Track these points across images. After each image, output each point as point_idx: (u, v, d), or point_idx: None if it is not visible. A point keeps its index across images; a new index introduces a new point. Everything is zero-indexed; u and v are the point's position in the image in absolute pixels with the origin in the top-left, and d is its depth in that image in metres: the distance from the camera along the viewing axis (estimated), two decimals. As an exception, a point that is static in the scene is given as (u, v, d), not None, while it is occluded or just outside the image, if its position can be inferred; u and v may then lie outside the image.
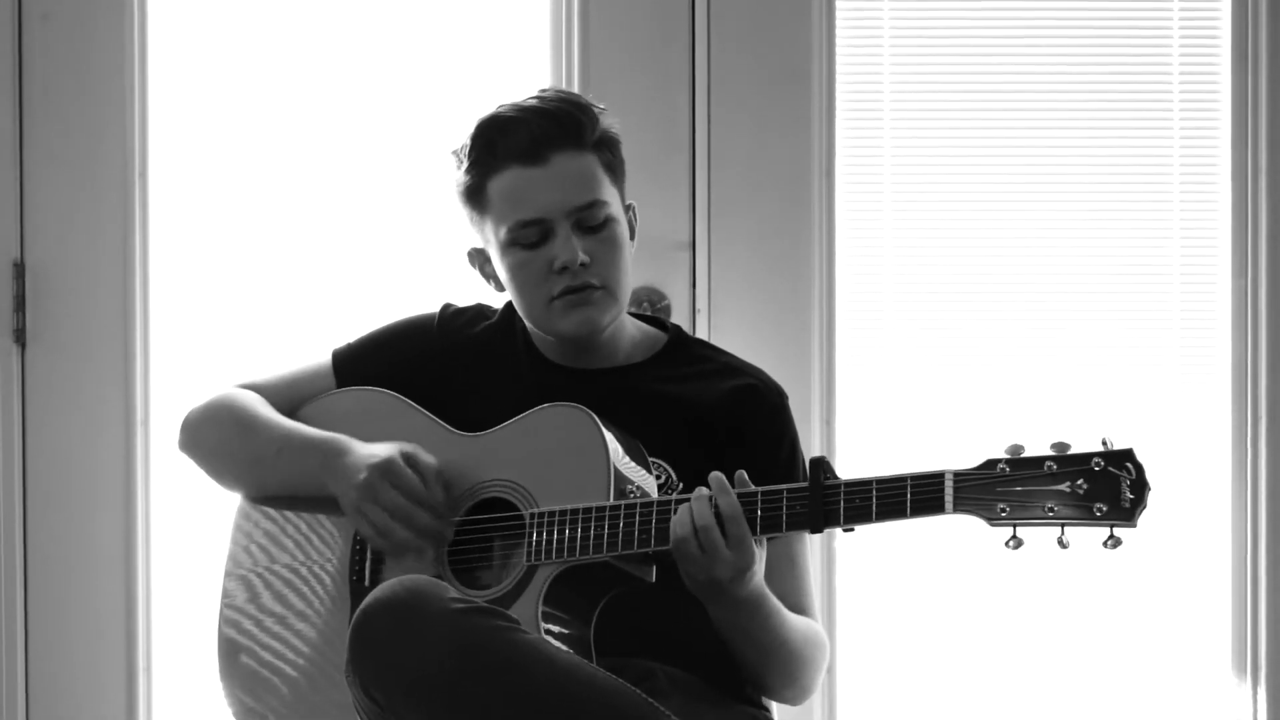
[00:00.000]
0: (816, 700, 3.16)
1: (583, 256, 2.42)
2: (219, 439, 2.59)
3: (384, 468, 2.37)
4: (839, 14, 3.19)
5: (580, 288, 2.43)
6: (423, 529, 2.36)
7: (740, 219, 3.19)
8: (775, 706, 2.53)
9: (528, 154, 2.43)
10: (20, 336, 3.18)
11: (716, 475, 2.25)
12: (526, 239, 2.44)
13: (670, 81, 3.20)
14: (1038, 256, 3.21)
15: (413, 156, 3.19)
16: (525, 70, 3.15)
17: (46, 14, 3.18)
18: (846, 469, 2.22)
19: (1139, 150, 3.21)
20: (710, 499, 2.22)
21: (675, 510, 2.24)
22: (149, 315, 3.19)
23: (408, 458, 2.39)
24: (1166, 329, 3.21)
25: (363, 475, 2.38)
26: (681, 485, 2.41)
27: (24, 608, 3.20)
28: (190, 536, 3.17)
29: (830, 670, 3.15)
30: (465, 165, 2.48)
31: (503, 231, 2.45)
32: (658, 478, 2.39)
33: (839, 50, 3.20)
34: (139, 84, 3.17)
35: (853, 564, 3.21)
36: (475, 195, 2.48)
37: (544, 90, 2.52)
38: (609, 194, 2.46)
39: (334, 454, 2.44)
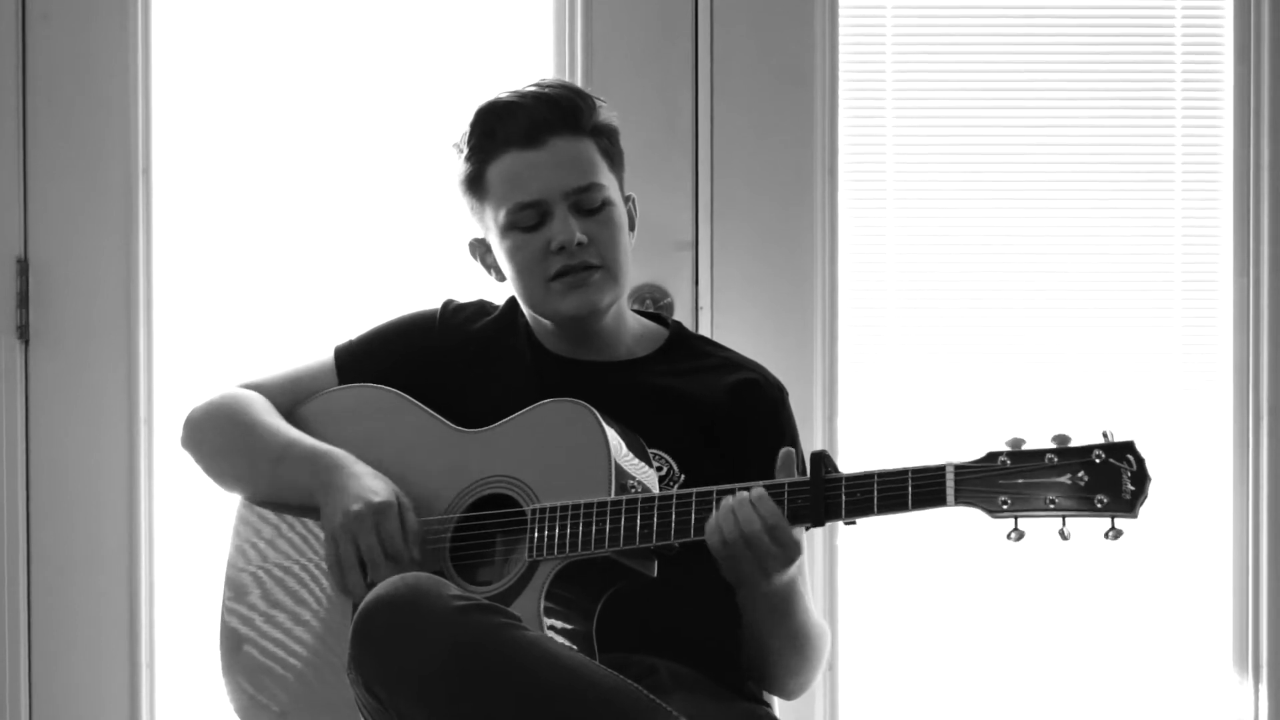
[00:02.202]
0: (819, 695, 3.16)
1: (580, 236, 2.43)
2: (218, 442, 2.59)
3: (379, 509, 2.37)
4: (842, 13, 3.20)
5: (578, 267, 2.45)
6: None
7: (743, 217, 3.20)
8: (776, 703, 2.53)
9: (526, 138, 2.44)
10: (24, 333, 3.19)
11: (758, 491, 2.22)
12: (525, 221, 2.46)
13: (673, 81, 3.20)
14: (1040, 253, 3.21)
15: (416, 155, 3.19)
16: (528, 68, 3.14)
17: (47, 14, 3.18)
18: (849, 464, 2.22)
19: (1141, 147, 3.22)
20: (750, 504, 2.22)
21: (676, 508, 2.24)
22: (152, 312, 3.19)
23: (400, 509, 2.39)
24: (1168, 326, 3.22)
25: (356, 507, 2.37)
26: (684, 478, 2.42)
27: (27, 603, 3.20)
28: (193, 533, 3.16)
29: (832, 665, 3.16)
30: (465, 153, 2.50)
31: (501, 215, 2.47)
32: (659, 470, 2.39)
33: (842, 49, 3.20)
34: (142, 82, 3.18)
35: (855, 557, 3.21)
36: (475, 183, 2.49)
37: (542, 78, 2.54)
38: (606, 179, 2.48)
39: (331, 469, 2.44)
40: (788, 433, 2.53)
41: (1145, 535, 2.12)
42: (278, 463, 2.51)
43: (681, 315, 3.14)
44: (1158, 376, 3.21)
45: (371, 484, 2.41)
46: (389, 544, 2.36)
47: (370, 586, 2.22)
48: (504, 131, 2.45)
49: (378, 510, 2.37)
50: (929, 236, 3.21)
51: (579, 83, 3.10)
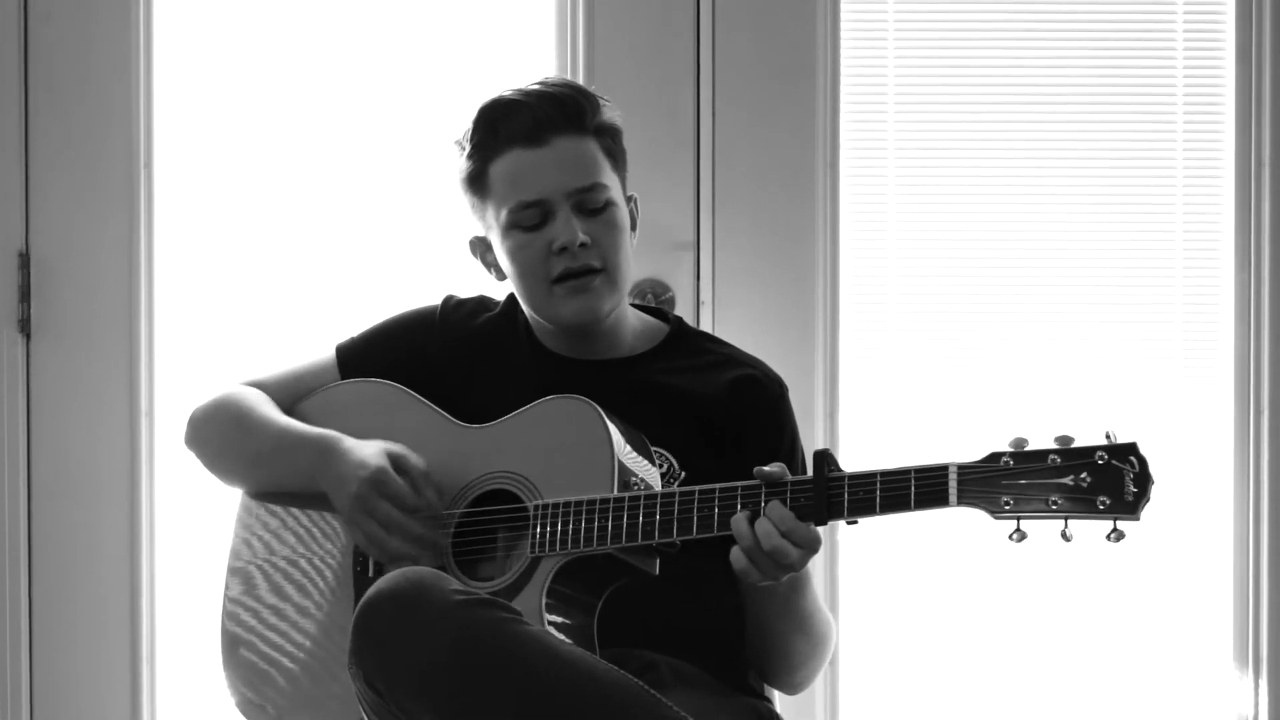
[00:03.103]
0: (819, 691, 3.16)
1: (582, 237, 2.43)
2: (220, 438, 2.59)
3: (373, 480, 2.37)
4: (843, 7, 3.20)
5: (580, 271, 2.44)
6: (417, 538, 2.35)
7: (745, 212, 3.20)
8: (777, 700, 2.53)
9: (529, 136, 2.43)
10: (25, 327, 3.19)
11: (776, 507, 2.21)
12: (527, 221, 2.45)
13: (675, 76, 3.20)
14: (1041, 250, 3.22)
15: (418, 151, 3.19)
16: (530, 65, 3.15)
17: (48, 15, 3.18)
18: (850, 462, 2.22)
19: (1143, 144, 3.22)
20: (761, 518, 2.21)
21: (678, 507, 2.24)
22: (154, 306, 3.20)
23: (396, 462, 2.39)
24: (1170, 322, 3.22)
25: (353, 488, 2.37)
26: (684, 475, 2.42)
27: (28, 598, 3.20)
28: (194, 528, 3.17)
29: (832, 660, 3.15)
30: (467, 150, 2.49)
31: (503, 214, 2.46)
32: (660, 467, 2.39)
33: (843, 44, 3.20)
34: (144, 77, 3.18)
35: (856, 556, 3.21)
36: (477, 180, 2.48)
37: (546, 77, 2.53)
38: (609, 179, 2.47)
39: (323, 453, 2.44)
40: (788, 429, 2.52)
41: (1146, 531, 2.11)
42: (273, 454, 2.51)
43: (683, 310, 3.14)
44: (1159, 372, 3.22)
45: (361, 456, 2.40)
46: (400, 503, 2.36)
47: (417, 540, 2.31)
48: (507, 130, 2.44)
49: (372, 481, 2.36)
50: (931, 232, 3.21)
51: (580, 79, 3.11)
